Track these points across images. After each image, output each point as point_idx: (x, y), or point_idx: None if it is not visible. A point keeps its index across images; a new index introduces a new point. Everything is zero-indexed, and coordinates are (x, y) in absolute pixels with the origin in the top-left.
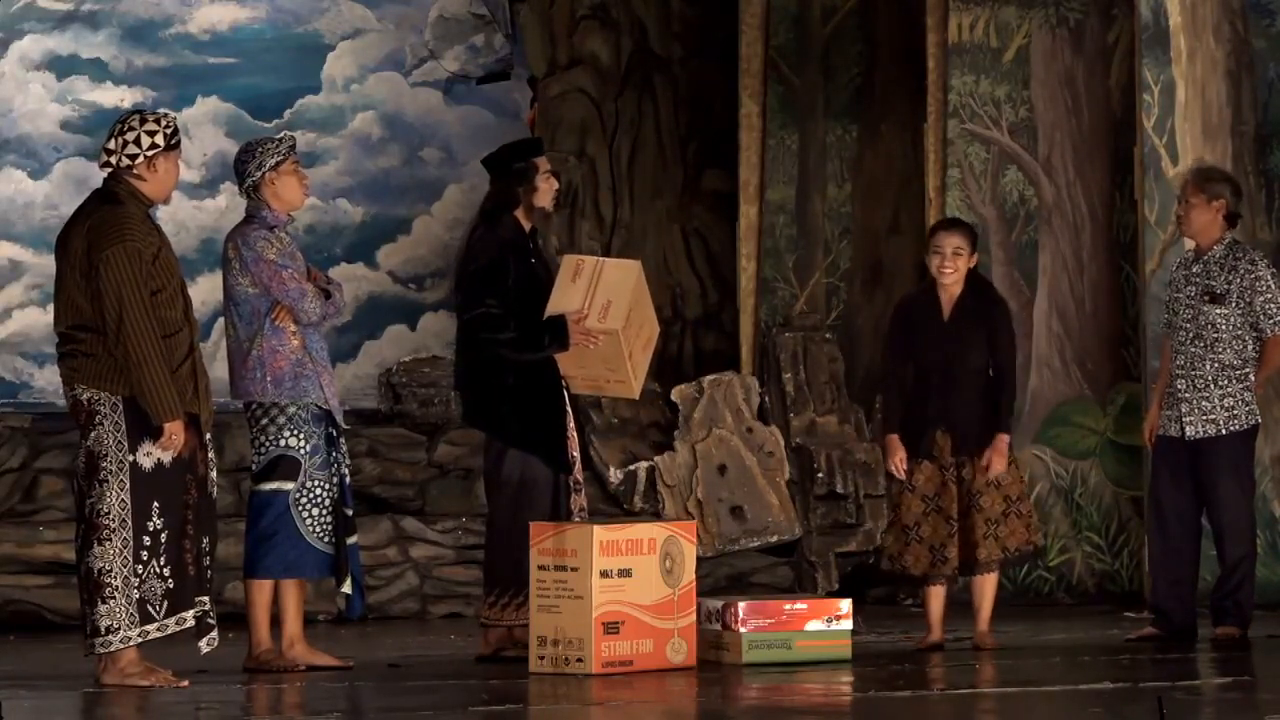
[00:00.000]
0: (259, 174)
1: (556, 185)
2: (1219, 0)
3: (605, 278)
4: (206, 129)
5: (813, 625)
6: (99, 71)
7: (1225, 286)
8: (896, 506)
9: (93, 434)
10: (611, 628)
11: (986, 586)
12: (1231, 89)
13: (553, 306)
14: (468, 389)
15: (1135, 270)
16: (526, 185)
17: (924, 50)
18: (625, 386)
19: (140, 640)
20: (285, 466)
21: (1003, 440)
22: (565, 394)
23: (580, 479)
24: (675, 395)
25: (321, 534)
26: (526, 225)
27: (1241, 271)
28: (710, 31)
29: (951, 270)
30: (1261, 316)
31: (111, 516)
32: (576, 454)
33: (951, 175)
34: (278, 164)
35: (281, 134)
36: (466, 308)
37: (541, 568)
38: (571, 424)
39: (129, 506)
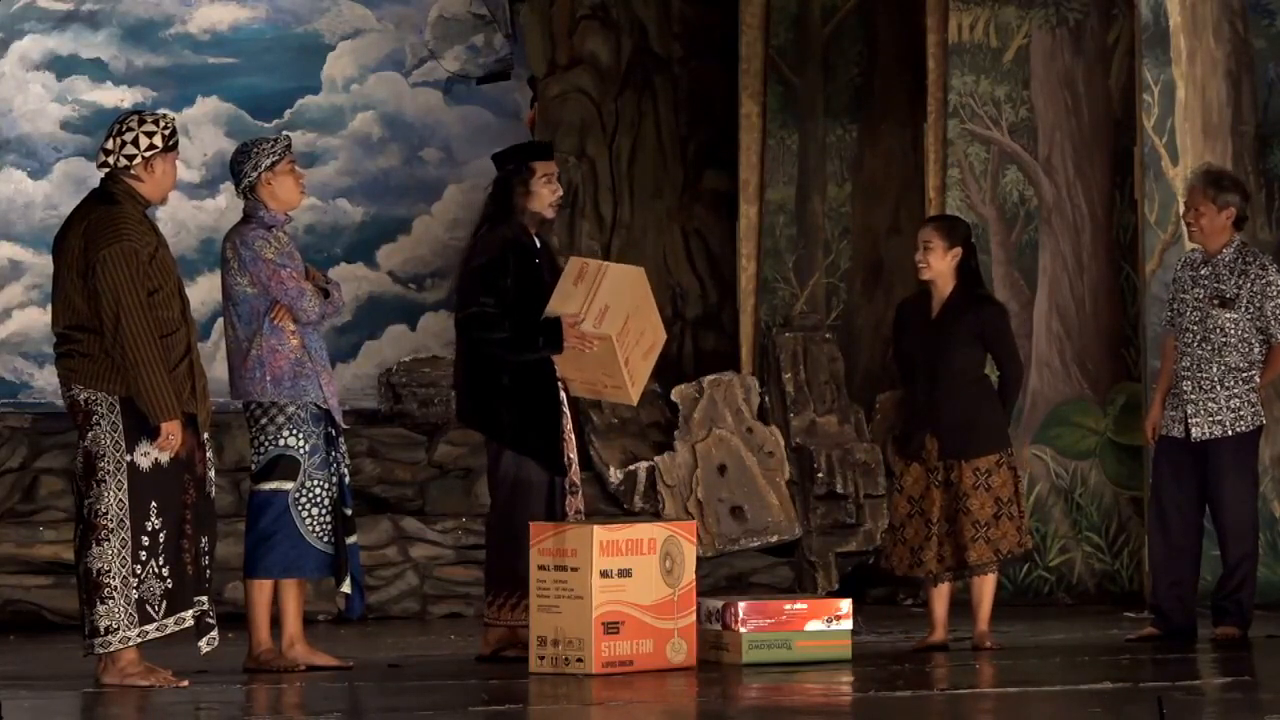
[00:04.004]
0: (255, 174)
1: (559, 191)
2: (1219, 0)
3: (607, 282)
4: (206, 129)
5: (813, 625)
6: (99, 71)
7: (1235, 291)
8: (892, 506)
9: (90, 434)
10: (611, 628)
11: (985, 587)
12: (1231, 89)
13: (551, 308)
14: (464, 388)
15: (1135, 270)
16: (522, 188)
17: (924, 50)
18: (622, 393)
19: (139, 640)
20: (284, 466)
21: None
22: (563, 395)
23: (577, 481)
24: (675, 395)
25: (321, 534)
26: (532, 228)
27: (1252, 276)
28: (710, 31)
29: (923, 264)
30: (1272, 321)
31: (109, 517)
32: (574, 456)
33: (951, 175)
34: (274, 164)
35: (278, 134)
36: (462, 306)
37: (541, 568)
38: (569, 425)
39: (127, 506)
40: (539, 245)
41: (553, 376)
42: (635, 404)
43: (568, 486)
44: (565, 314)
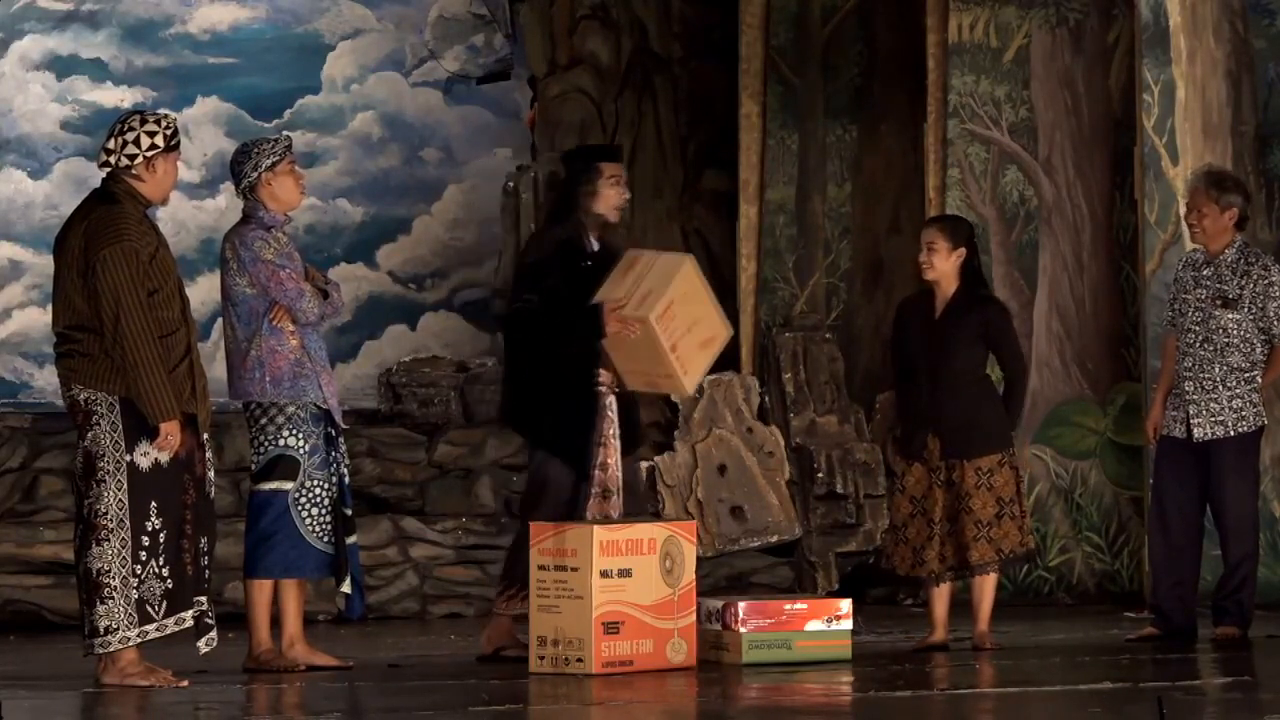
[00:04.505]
0: (255, 175)
1: (625, 194)
2: (1219, 0)
3: (653, 270)
4: (206, 129)
5: (813, 625)
6: (99, 71)
7: (1238, 291)
8: (893, 506)
9: (90, 434)
10: (611, 628)
11: (985, 587)
12: (1231, 89)
13: (598, 297)
14: (505, 387)
15: (1135, 270)
16: (587, 187)
17: (924, 50)
18: (674, 382)
19: (139, 640)
20: (284, 466)
21: (1009, 443)
22: (611, 400)
23: (614, 487)
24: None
25: (321, 534)
26: (591, 231)
27: (1255, 276)
28: (710, 31)
29: (927, 265)
30: (1274, 322)
31: (109, 517)
32: (612, 460)
33: (951, 175)
34: (274, 164)
35: (278, 134)
36: (509, 302)
37: (541, 568)
38: (611, 430)
39: (126, 507)
40: (596, 248)
41: (594, 380)
42: (689, 393)
43: (598, 490)
44: (607, 300)
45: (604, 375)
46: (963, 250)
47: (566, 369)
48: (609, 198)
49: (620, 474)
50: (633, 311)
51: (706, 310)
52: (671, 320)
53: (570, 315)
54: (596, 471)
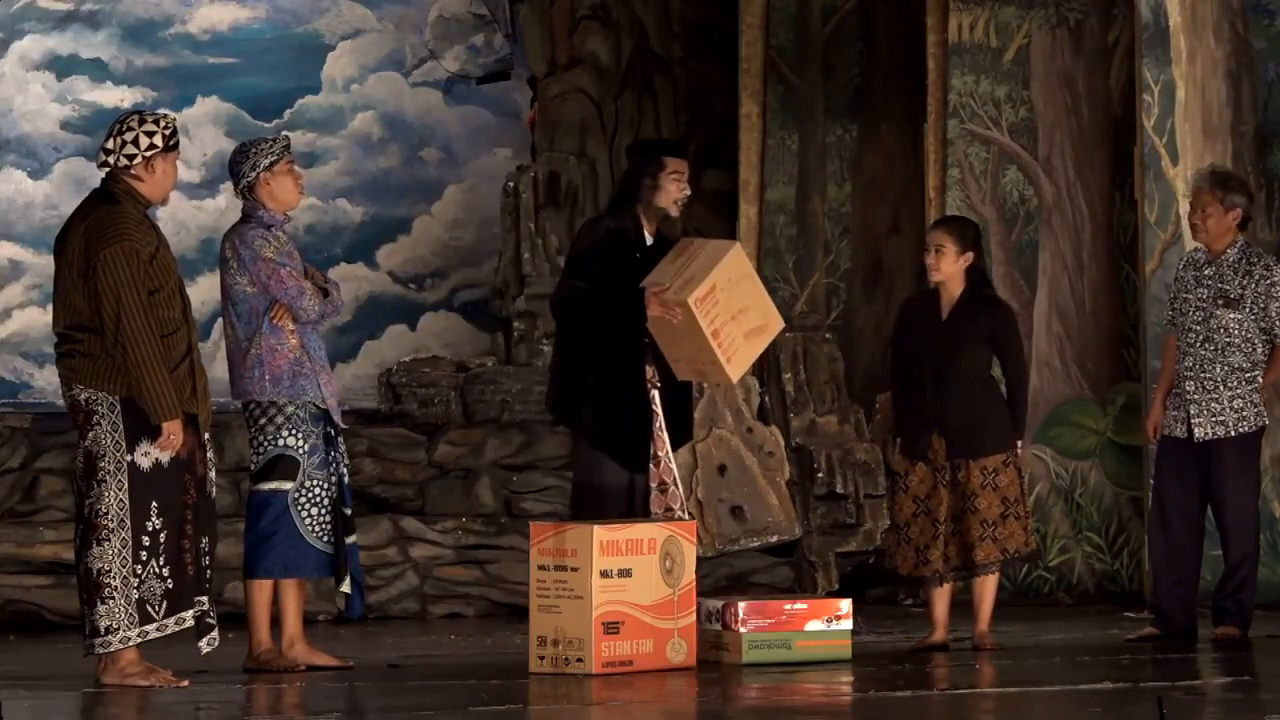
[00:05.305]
0: (253, 174)
1: (686, 190)
2: (1219, 0)
3: (701, 255)
4: (206, 129)
5: (813, 625)
6: (99, 71)
7: (1240, 291)
8: (895, 506)
9: (91, 434)
10: (611, 628)
11: (986, 587)
12: (1231, 89)
13: (645, 281)
14: (552, 379)
15: (1135, 270)
16: (649, 180)
17: (924, 50)
18: (718, 370)
19: (139, 640)
20: (284, 466)
21: (1013, 444)
22: (655, 394)
23: (669, 479)
24: None
25: (321, 533)
26: (649, 223)
27: (1256, 276)
28: (710, 31)
29: (934, 267)
30: (1276, 322)
31: (110, 517)
32: (664, 452)
33: (951, 175)
34: (272, 164)
35: (277, 134)
36: (556, 288)
37: (541, 568)
38: (660, 421)
39: (127, 506)
40: (651, 241)
41: (641, 372)
42: (734, 382)
43: (655, 485)
44: (650, 283)
45: (648, 371)
46: (970, 254)
47: (614, 361)
48: (670, 192)
49: (674, 466)
50: (674, 295)
51: (755, 299)
52: (714, 305)
53: (615, 301)
54: (650, 466)
